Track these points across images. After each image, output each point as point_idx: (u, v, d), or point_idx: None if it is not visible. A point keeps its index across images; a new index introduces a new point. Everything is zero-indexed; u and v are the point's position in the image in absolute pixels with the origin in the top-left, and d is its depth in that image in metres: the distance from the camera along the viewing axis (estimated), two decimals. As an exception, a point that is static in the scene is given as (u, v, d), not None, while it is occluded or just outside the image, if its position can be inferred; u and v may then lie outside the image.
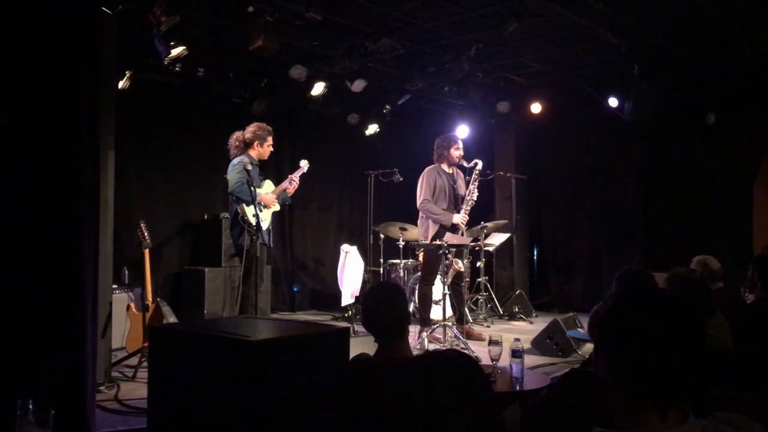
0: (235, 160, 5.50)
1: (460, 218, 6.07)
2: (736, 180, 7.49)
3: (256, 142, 5.57)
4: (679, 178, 7.90)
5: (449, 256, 5.97)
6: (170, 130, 7.11)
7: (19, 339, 2.61)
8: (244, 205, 5.34)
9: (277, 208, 5.74)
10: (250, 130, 5.61)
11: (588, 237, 8.65)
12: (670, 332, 1.21)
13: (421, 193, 6.12)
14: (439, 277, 6.04)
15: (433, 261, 6.03)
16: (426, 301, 6.15)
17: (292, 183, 5.72)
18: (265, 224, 5.42)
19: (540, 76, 7.66)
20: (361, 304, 2.69)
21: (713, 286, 3.85)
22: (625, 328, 1.25)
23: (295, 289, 8.33)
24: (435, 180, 6.13)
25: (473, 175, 6.20)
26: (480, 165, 6.22)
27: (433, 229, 6.05)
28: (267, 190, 5.64)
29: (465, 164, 6.22)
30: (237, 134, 5.62)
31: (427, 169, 6.24)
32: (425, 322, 6.02)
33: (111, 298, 4.59)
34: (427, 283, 6.18)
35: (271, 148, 5.70)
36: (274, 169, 7.66)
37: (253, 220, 5.34)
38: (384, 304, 2.27)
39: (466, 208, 6.14)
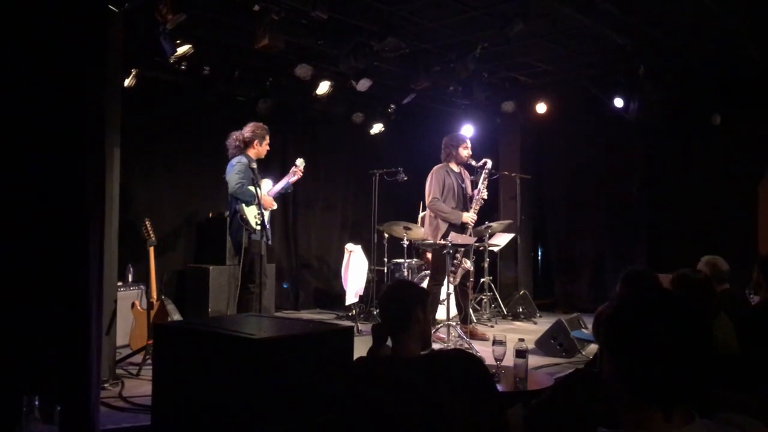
0: (234, 160, 5.53)
1: (470, 216, 6.06)
2: (742, 181, 7.45)
3: (255, 141, 5.60)
4: (684, 178, 7.88)
5: (458, 255, 5.96)
6: (175, 129, 7.12)
7: (25, 336, 2.62)
8: (243, 204, 5.40)
9: (275, 206, 5.80)
10: (249, 129, 5.64)
11: (592, 237, 8.62)
12: (675, 333, 1.21)
13: (431, 192, 6.08)
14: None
15: (443, 261, 6.01)
16: (433, 301, 6.12)
17: (295, 174, 5.77)
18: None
19: (545, 76, 7.65)
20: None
21: (720, 287, 3.84)
22: (630, 329, 1.25)
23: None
24: (444, 179, 6.10)
25: (483, 174, 6.17)
26: (489, 164, 6.20)
27: (442, 229, 6.01)
28: (265, 189, 5.68)
29: (474, 163, 6.20)
30: (236, 134, 5.65)
31: (435, 167, 6.21)
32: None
33: (116, 295, 4.60)
34: (435, 283, 6.14)
35: (268, 147, 5.74)
36: (279, 168, 7.67)
37: (252, 220, 5.38)
38: (394, 295, 2.32)
39: (475, 207, 6.12)
